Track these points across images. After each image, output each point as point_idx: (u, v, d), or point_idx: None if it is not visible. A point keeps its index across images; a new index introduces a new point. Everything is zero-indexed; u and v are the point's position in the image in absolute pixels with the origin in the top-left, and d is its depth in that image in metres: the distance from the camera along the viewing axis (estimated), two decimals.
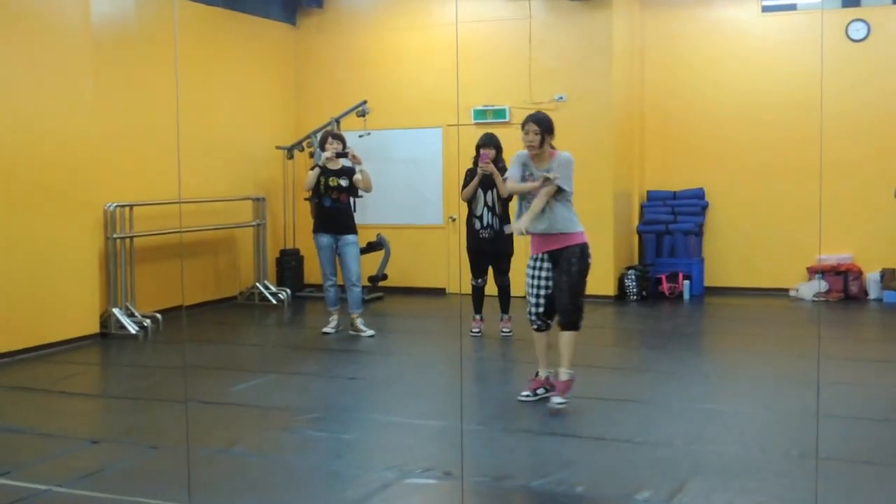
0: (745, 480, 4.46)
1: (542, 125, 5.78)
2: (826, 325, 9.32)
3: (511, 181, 5.92)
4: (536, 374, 6.06)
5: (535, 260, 5.91)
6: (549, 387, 6.02)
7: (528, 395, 5.99)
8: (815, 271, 10.48)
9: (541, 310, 5.91)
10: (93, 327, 8.38)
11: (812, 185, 10.32)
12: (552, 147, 5.88)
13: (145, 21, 9.46)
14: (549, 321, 5.95)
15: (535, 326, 5.98)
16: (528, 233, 5.88)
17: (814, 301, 10.27)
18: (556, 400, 5.73)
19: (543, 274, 5.88)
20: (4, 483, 4.55)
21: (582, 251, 5.82)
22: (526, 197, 5.85)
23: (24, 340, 7.68)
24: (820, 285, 10.37)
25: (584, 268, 5.82)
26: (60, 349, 7.92)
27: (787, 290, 10.67)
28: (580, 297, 5.85)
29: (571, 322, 5.81)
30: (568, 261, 5.77)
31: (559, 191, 5.72)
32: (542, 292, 5.88)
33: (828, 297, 10.35)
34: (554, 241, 5.82)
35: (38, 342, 7.78)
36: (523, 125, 5.85)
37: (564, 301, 5.79)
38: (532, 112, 6.04)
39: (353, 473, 4.68)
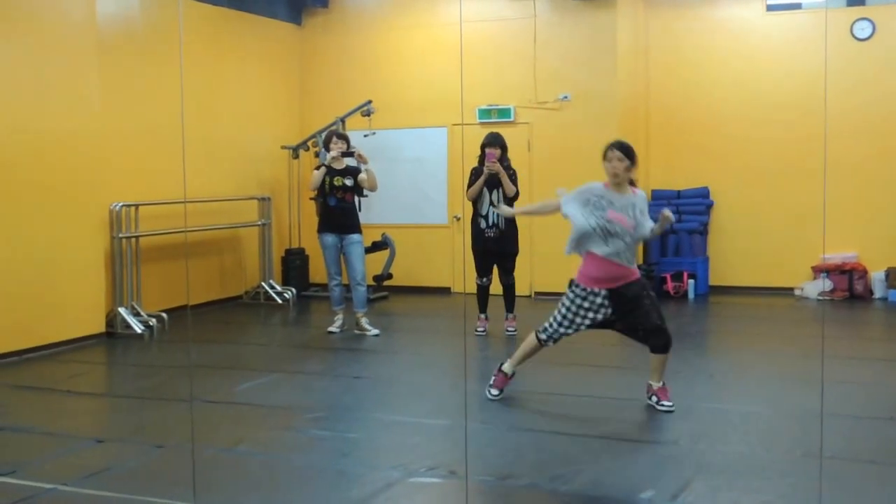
0: (749, 479, 4.46)
1: (628, 154, 5.56)
2: (830, 324, 9.31)
3: (577, 219, 5.55)
4: (501, 371, 6.05)
5: (590, 293, 5.62)
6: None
7: (497, 394, 5.99)
8: (820, 270, 10.47)
9: (563, 337, 5.81)
10: (98, 327, 8.41)
11: (817, 183, 10.30)
12: (631, 179, 5.67)
13: (150, 20, 9.48)
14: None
15: (548, 343, 5.87)
16: (583, 252, 5.65)
17: (818, 300, 10.26)
18: (667, 404, 5.65)
19: (592, 309, 5.62)
20: (10, 482, 4.57)
21: (645, 283, 5.76)
22: (593, 236, 5.53)
23: (31, 340, 7.71)
24: (824, 284, 10.36)
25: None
26: (66, 348, 7.94)
27: (791, 289, 10.66)
28: (663, 317, 5.77)
29: (667, 344, 5.69)
30: (641, 287, 5.65)
31: (639, 228, 5.61)
32: (582, 329, 5.73)
33: (832, 296, 10.34)
34: (619, 276, 5.58)
35: (44, 341, 7.81)
36: (606, 153, 5.58)
37: (656, 322, 5.64)
38: (616, 140, 5.68)
39: (358, 472, 4.69)
